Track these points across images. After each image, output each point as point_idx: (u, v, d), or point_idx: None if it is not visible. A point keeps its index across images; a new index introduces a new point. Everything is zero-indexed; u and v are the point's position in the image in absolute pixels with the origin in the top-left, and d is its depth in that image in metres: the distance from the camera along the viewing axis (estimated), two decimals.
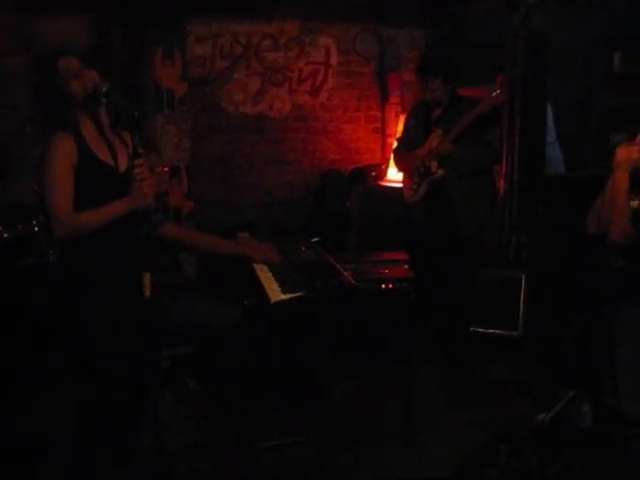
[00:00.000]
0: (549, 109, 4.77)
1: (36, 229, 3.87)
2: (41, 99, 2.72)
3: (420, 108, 4.43)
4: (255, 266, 3.50)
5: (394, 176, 5.29)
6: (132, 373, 2.77)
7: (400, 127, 5.47)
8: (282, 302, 3.09)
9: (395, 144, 4.74)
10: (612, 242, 2.88)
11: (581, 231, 3.40)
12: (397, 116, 5.66)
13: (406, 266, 4.25)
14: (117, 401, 2.72)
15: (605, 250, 2.98)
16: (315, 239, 3.87)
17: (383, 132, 5.92)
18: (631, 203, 2.85)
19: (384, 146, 5.89)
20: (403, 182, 4.48)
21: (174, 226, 3.49)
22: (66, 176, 2.57)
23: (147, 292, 3.00)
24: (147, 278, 3.01)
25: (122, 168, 2.69)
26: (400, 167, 4.59)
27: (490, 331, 4.29)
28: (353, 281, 3.23)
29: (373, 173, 5.62)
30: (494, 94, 4.06)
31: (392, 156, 4.75)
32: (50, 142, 2.57)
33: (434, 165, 4.18)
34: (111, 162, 2.67)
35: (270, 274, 3.39)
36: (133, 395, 2.83)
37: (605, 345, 3.03)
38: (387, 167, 5.52)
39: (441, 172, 4.16)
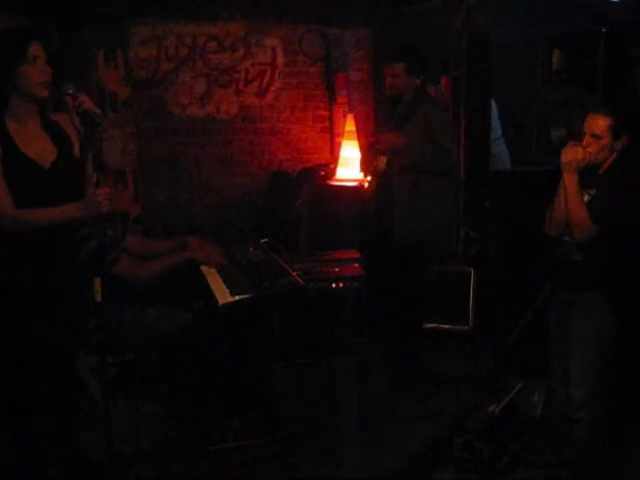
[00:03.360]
0: (494, 106, 4.84)
1: None
2: None
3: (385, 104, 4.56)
4: (203, 269, 3.48)
5: (343, 175, 5.32)
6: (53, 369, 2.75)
7: (347, 126, 5.51)
8: (231, 304, 3.07)
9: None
10: (575, 240, 2.91)
11: (527, 225, 3.46)
12: (344, 115, 5.67)
13: (357, 264, 4.27)
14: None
15: (563, 244, 3.00)
16: (264, 240, 3.86)
17: (331, 132, 5.92)
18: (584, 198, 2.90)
19: (332, 145, 5.89)
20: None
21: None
22: None
23: (98, 297, 2.96)
24: (97, 283, 2.96)
25: (48, 165, 2.62)
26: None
27: (441, 326, 4.33)
28: (302, 281, 3.23)
29: (322, 173, 5.61)
30: None
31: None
32: None
33: (381, 159, 4.24)
34: (37, 158, 2.60)
35: (218, 276, 3.37)
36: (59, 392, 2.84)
37: (560, 331, 3.06)
38: (336, 166, 5.53)
39: (382, 166, 4.22)
